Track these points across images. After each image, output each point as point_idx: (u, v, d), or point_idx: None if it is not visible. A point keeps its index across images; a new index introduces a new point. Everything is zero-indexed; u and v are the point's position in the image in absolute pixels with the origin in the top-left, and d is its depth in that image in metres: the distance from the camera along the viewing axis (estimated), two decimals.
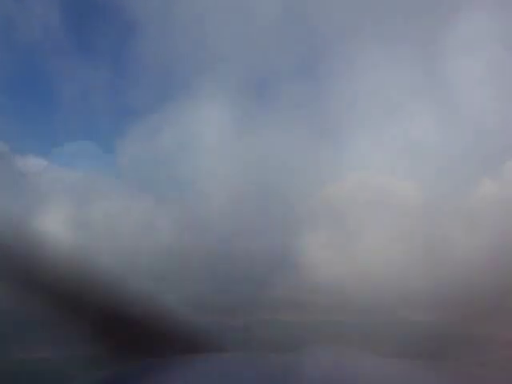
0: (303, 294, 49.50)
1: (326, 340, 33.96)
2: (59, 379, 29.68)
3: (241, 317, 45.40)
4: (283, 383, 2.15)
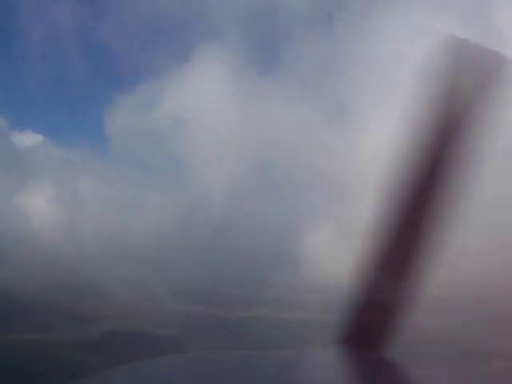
0: (303, 293, 49.29)
1: (326, 339, 34.23)
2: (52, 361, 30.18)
3: (240, 313, 45.56)
4: (283, 383, 2.13)
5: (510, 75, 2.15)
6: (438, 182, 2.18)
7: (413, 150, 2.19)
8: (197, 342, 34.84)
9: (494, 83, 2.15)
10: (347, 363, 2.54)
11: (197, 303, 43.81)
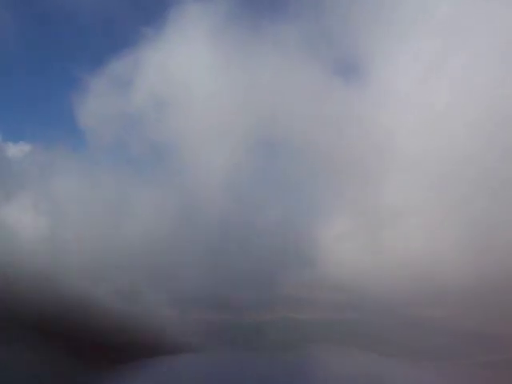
0: (316, 292, 49.18)
1: (336, 339, 34.22)
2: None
3: (252, 315, 45.67)
4: (284, 383, 2.22)
5: None
6: None
7: None
8: (211, 347, 34.96)
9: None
10: (350, 363, 2.55)
11: (208, 309, 43.86)
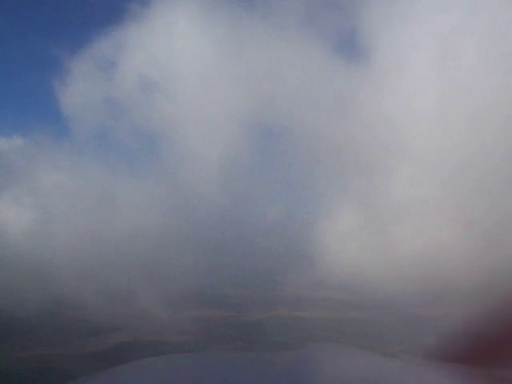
0: (317, 291, 48.76)
1: (337, 338, 34.02)
2: (59, 376, 30.04)
3: (252, 314, 45.45)
4: (284, 383, 2.15)
5: None
6: None
7: None
8: (213, 345, 34.88)
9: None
10: (349, 363, 2.53)
11: (209, 307, 43.78)
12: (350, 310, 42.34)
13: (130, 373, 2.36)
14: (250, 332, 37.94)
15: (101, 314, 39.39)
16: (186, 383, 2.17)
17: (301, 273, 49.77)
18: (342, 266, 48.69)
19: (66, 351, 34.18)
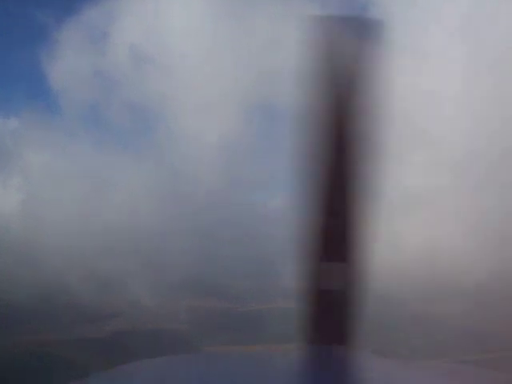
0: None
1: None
2: (58, 362, 30.07)
3: (254, 305, 45.60)
4: (284, 383, 2.20)
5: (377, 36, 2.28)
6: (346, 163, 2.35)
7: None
8: (209, 336, 35.09)
9: (367, 49, 2.28)
10: (349, 363, 2.59)
11: (208, 297, 43.86)
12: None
13: (130, 373, 2.38)
14: (249, 323, 38.02)
15: (97, 301, 39.28)
16: None
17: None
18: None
19: (64, 337, 34.38)
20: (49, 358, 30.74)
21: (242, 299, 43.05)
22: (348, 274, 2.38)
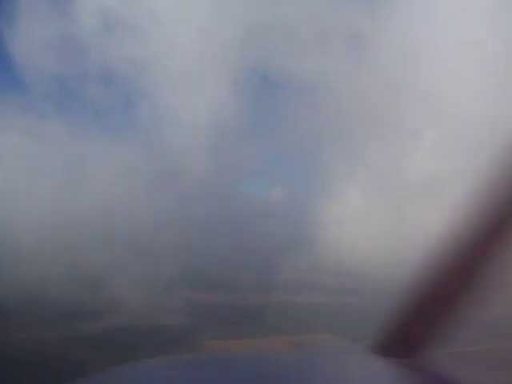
0: (317, 276, 48.48)
1: (335, 324, 33.68)
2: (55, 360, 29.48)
3: (254, 298, 44.06)
4: (284, 382, 2.21)
5: None
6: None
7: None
8: (210, 330, 34.96)
9: None
10: (349, 362, 2.64)
11: (209, 290, 43.83)
12: (352, 295, 41.94)
13: (130, 373, 2.40)
14: (249, 317, 37.90)
15: (90, 297, 38.73)
16: None
17: (302, 256, 49.18)
18: (345, 251, 47.18)
19: (61, 334, 34.02)
20: (42, 357, 30.42)
21: (241, 292, 42.78)
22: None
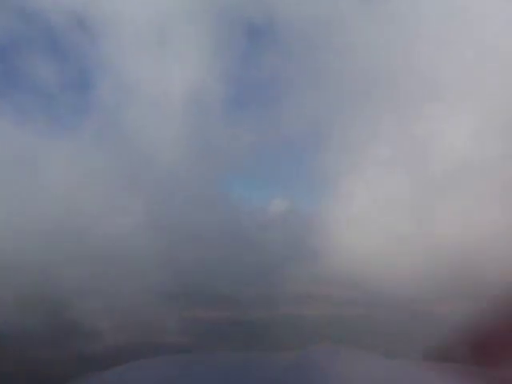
0: (321, 287, 48.38)
1: (342, 337, 33.35)
2: (58, 380, 29.39)
3: (256, 313, 45.13)
4: (284, 382, 2.49)
5: None
6: None
7: None
8: (211, 348, 34.59)
9: None
10: (351, 364, 3.06)
11: (208, 306, 43.46)
12: (357, 307, 42.06)
13: (130, 373, 2.90)
14: (253, 332, 37.59)
15: (93, 315, 38.30)
16: None
17: (306, 267, 49.03)
18: (351, 260, 46.92)
19: (61, 354, 33.72)
20: (47, 376, 29.94)
21: (243, 307, 42.76)
22: None
